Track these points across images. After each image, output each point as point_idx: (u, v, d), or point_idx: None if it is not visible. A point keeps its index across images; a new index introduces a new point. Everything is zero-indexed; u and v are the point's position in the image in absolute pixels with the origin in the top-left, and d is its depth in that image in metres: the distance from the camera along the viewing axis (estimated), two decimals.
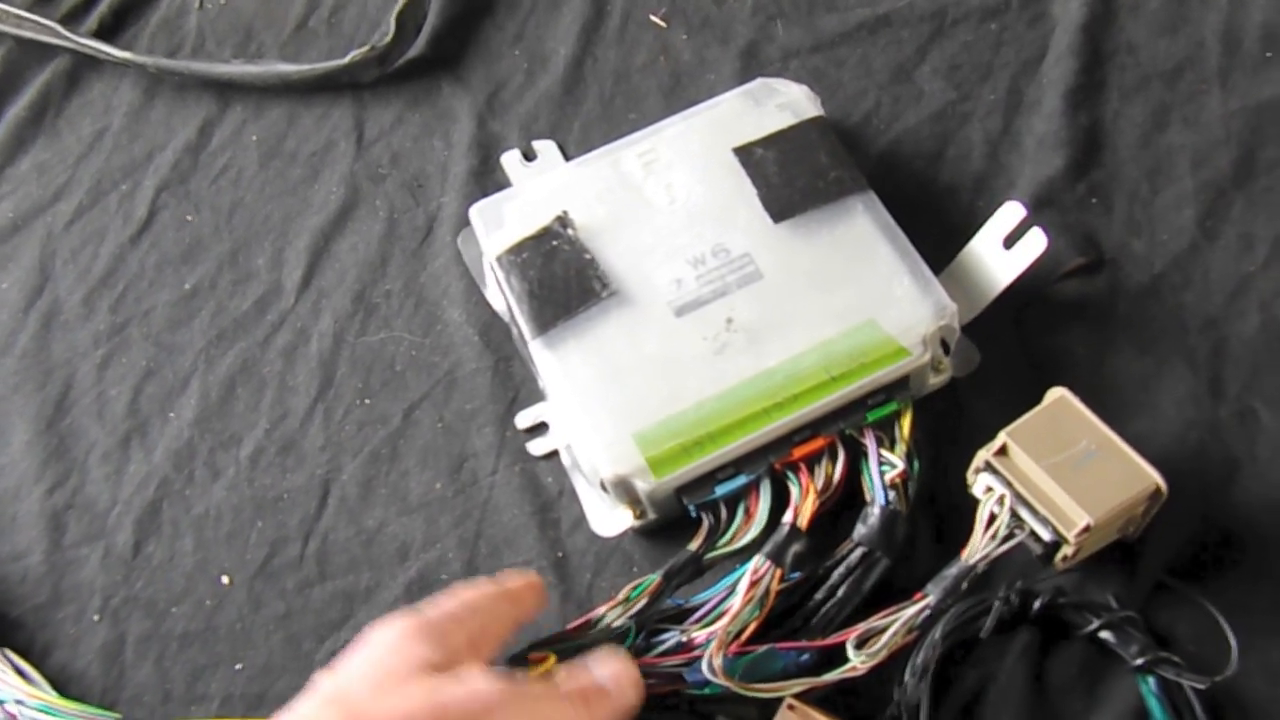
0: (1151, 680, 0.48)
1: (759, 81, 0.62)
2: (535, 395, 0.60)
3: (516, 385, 0.60)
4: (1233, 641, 0.49)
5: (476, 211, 0.60)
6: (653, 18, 0.71)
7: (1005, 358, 0.57)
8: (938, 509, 0.54)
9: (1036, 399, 0.53)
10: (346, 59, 0.70)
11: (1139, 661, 0.48)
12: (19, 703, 0.51)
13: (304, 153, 0.70)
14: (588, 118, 0.68)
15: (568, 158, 0.66)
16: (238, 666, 0.55)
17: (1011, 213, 0.57)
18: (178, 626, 0.57)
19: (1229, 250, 0.59)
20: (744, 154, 0.59)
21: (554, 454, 0.58)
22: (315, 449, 0.60)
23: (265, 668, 0.55)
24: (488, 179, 0.67)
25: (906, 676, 0.49)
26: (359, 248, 0.66)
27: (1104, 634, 0.49)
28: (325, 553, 0.58)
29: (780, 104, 0.61)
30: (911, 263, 0.56)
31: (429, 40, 0.72)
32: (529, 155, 0.67)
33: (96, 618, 0.57)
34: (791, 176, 0.58)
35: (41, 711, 0.51)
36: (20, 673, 0.54)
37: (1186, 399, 0.55)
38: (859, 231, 0.57)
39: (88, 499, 0.60)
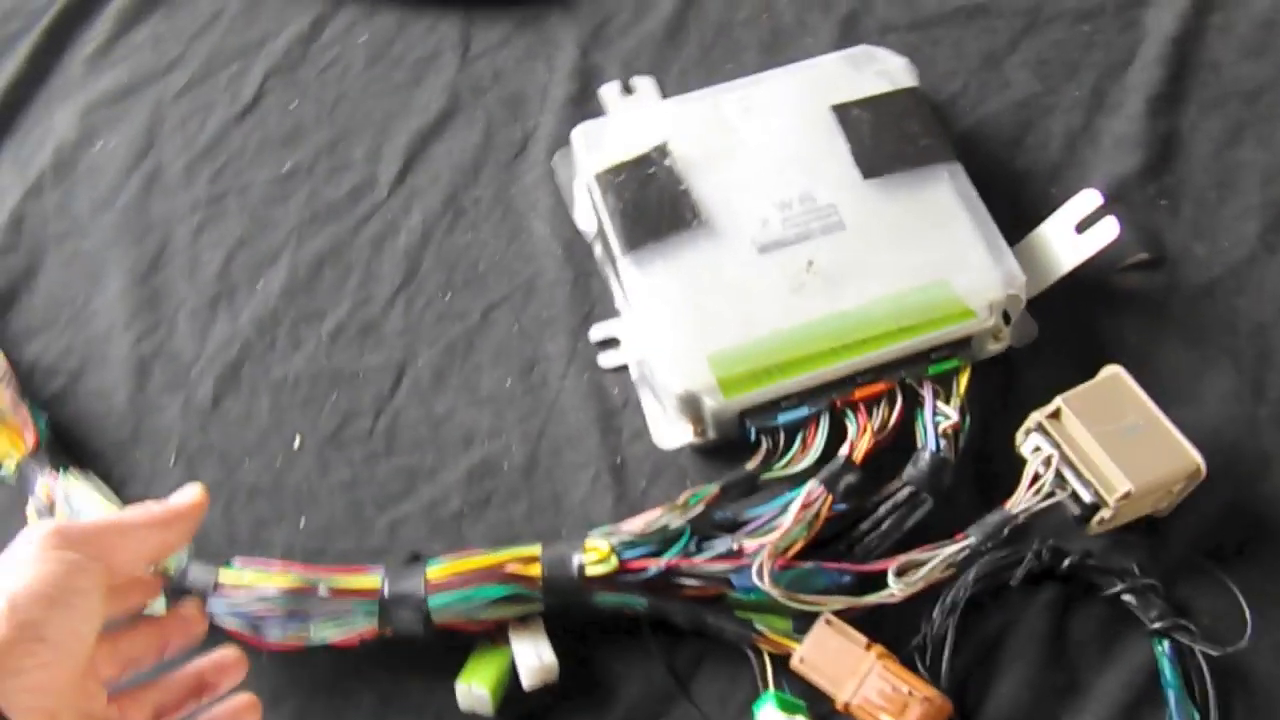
0: (1166, 644, 0.51)
1: (861, 48, 0.65)
2: (609, 311, 0.63)
3: (593, 300, 0.63)
4: (1248, 616, 0.52)
5: (580, 132, 0.63)
6: None
7: (1060, 335, 0.60)
8: (980, 466, 0.57)
9: (1085, 377, 0.56)
10: None
11: (1157, 625, 0.51)
12: None
13: (410, 58, 0.73)
14: (686, 63, 0.71)
15: (665, 98, 0.69)
16: (301, 523, 0.58)
17: (1087, 199, 0.60)
18: (248, 479, 0.59)
19: None
20: (841, 111, 0.62)
21: (623, 369, 0.61)
22: (394, 334, 0.63)
23: (327, 528, 0.58)
24: (585, 106, 0.69)
25: (936, 612, 0.53)
26: (454, 153, 0.69)
27: (1126, 597, 0.52)
28: (394, 430, 0.60)
29: (879, 71, 0.64)
30: (988, 233, 0.59)
31: None
32: (627, 89, 0.69)
33: (172, 461, 0.60)
34: (884, 138, 0.61)
35: None
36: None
37: (1229, 395, 0.58)
38: (942, 198, 0.59)
39: (173, 351, 0.63)
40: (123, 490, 0.59)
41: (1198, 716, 0.50)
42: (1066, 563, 0.53)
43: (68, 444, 0.60)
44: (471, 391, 0.61)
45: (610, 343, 0.62)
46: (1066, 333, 0.60)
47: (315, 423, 0.61)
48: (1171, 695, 0.50)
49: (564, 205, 0.66)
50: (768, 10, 0.72)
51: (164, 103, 0.72)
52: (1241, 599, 0.52)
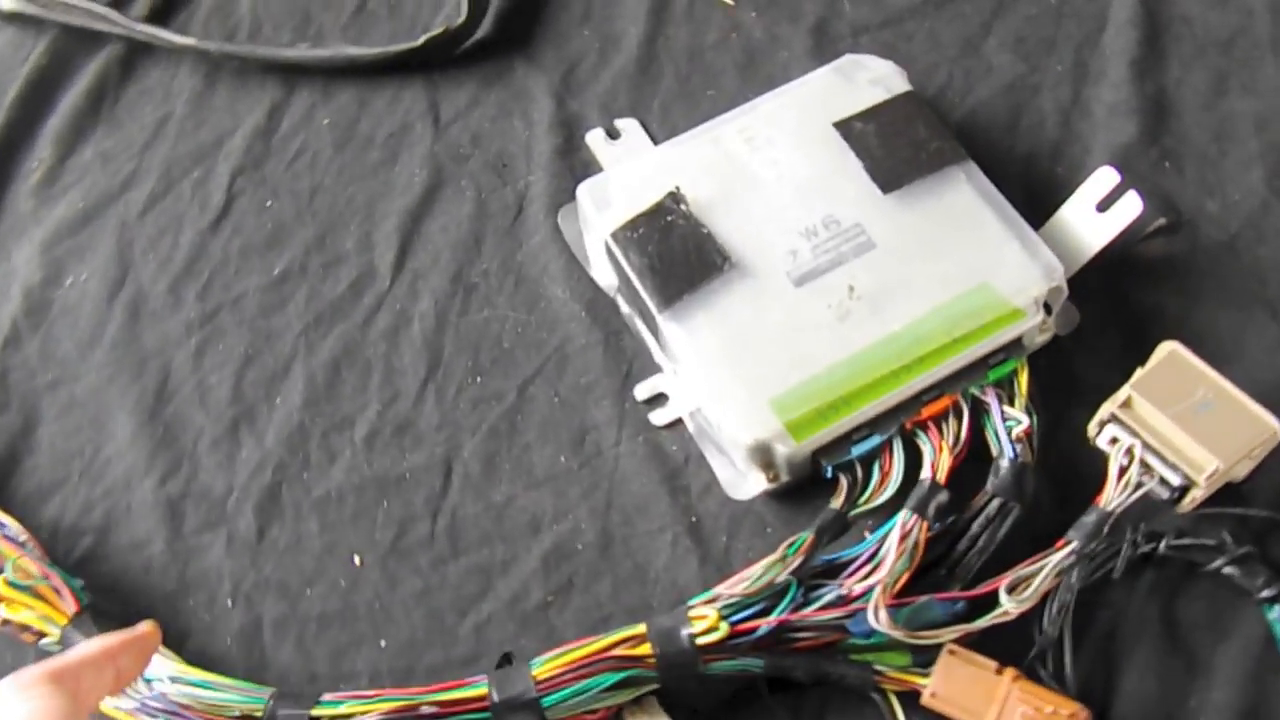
0: (1278, 609, 0.52)
1: (847, 58, 0.64)
2: (649, 367, 0.61)
3: (629, 358, 0.62)
4: None
5: (585, 190, 0.61)
6: None
7: (1099, 316, 0.60)
8: (1046, 459, 0.57)
9: (1133, 354, 0.56)
10: (420, 41, 0.70)
11: (1266, 593, 0.52)
12: (173, 680, 0.51)
13: (380, 135, 0.70)
14: (666, 95, 0.69)
15: (651, 135, 0.68)
16: (382, 643, 0.56)
17: (1105, 178, 0.60)
18: (314, 607, 0.57)
19: None
20: (844, 128, 0.61)
21: (677, 423, 0.60)
22: (431, 428, 0.61)
23: (409, 643, 0.56)
24: (573, 157, 0.68)
25: (1045, 619, 0.52)
26: (450, 228, 0.66)
27: (1228, 569, 0.53)
28: (455, 529, 0.58)
29: (870, 79, 0.63)
30: (1018, 228, 0.58)
31: (495, 21, 0.73)
32: (612, 134, 0.68)
33: (229, 603, 0.57)
34: (894, 149, 0.60)
35: (198, 687, 0.51)
36: None
37: (1273, 347, 0.59)
38: (965, 199, 0.59)
39: (203, 486, 0.60)
40: (185, 643, 0.56)
41: None
42: (1162, 546, 0.53)
43: (112, 605, 0.57)
44: (526, 474, 0.59)
45: (658, 399, 0.60)
46: (1105, 312, 0.60)
47: (371, 536, 0.58)
48: None
49: (576, 263, 0.64)
50: (736, 29, 0.71)
51: (129, 223, 0.68)
52: None
